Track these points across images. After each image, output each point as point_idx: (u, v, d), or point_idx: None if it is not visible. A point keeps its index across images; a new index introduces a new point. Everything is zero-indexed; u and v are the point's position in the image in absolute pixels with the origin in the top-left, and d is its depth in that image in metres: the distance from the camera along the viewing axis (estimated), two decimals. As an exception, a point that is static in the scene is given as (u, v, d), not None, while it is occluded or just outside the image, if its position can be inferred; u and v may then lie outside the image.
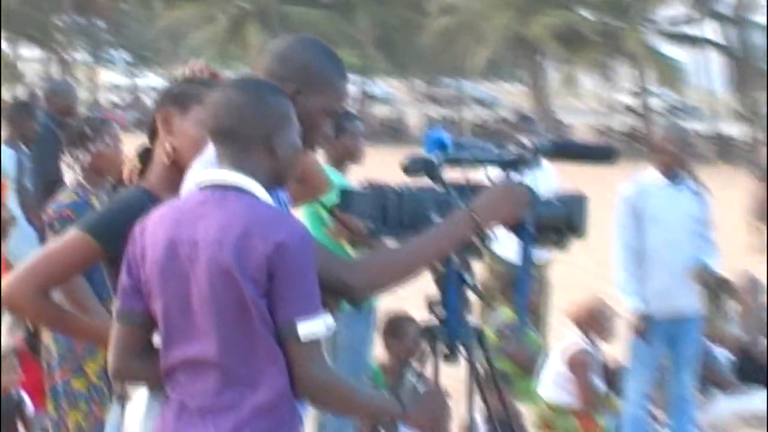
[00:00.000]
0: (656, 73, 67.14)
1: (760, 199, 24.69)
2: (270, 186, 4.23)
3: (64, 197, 7.82)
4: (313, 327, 4.08)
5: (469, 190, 4.51)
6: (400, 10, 67.91)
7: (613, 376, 11.23)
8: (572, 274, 16.26)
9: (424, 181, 4.58)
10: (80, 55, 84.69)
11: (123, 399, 4.61)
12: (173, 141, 4.67)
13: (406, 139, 65.03)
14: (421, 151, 4.64)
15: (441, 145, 4.59)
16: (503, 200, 4.49)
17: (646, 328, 9.68)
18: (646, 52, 64.25)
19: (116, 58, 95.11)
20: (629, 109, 72.84)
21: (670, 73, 66.92)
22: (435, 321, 4.64)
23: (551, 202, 4.60)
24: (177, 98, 4.71)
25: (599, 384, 11.14)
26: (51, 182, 11.59)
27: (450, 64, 69.48)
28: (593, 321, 11.06)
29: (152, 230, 4.23)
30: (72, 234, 4.62)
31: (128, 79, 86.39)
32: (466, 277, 4.60)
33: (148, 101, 75.17)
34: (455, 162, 4.59)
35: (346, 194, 4.55)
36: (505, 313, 11.42)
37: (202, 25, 71.11)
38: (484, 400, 4.74)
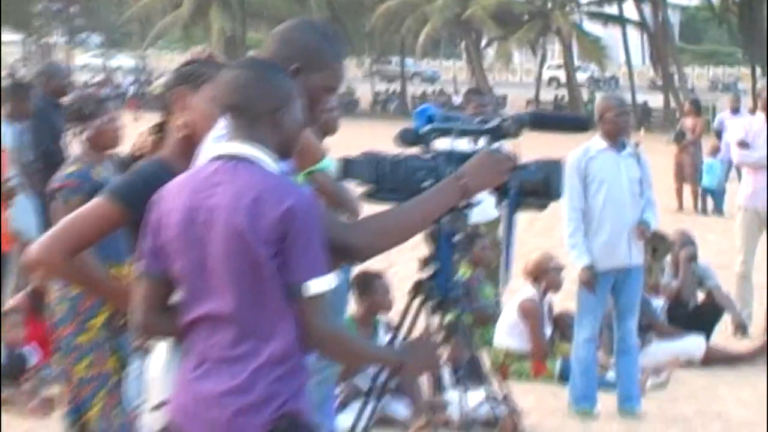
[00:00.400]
0: (580, 49, 67.56)
1: (680, 163, 24.83)
2: (277, 157, 4.22)
3: (67, 169, 7.82)
4: (321, 285, 4.09)
5: (456, 158, 4.52)
6: (350, -6, 68.02)
7: (561, 324, 11.29)
8: (522, 232, 16.31)
9: (416, 151, 4.59)
10: (56, 39, 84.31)
11: (144, 351, 4.59)
12: (186, 116, 4.67)
13: (357, 111, 65.18)
14: (409, 124, 4.66)
15: (429, 119, 4.61)
16: (488, 167, 4.49)
17: (593, 279, 9.72)
18: (572, 30, 64.56)
19: (88, 41, 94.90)
20: (557, 82, 73.18)
21: (593, 49, 67.38)
22: (426, 276, 4.65)
23: (530, 168, 4.62)
24: (188, 78, 4.72)
25: (548, 331, 11.21)
26: (46, 154, 11.57)
27: (395, 43, 69.61)
28: (542, 274, 11.13)
29: (171, 198, 4.23)
30: (98, 200, 4.62)
31: (100, 59, 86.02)
32: (455, 236, 4.61)
33: (119, 79, 75.26)
34: (443, 133, 4.60)
35: (345, 162, 4.55)
36: (462, 268, 11.43)
37: (168, 10, 70.79)
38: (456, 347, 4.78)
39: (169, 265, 4.23)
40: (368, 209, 4.43)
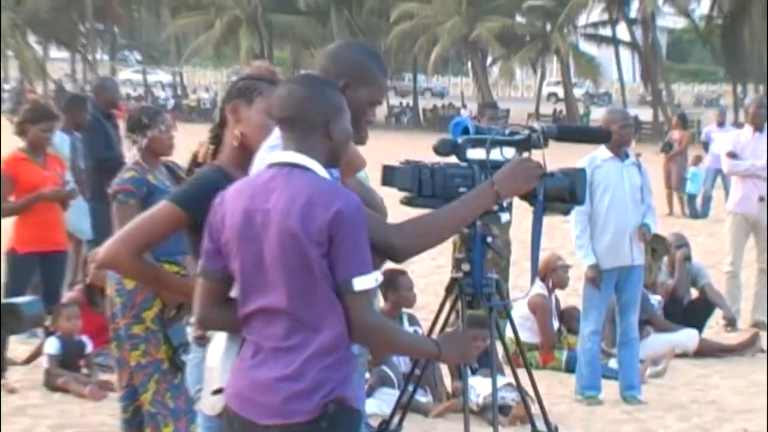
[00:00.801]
0: (576, 67, 67.52)
1: (668, 171, 24.89)
2: (327, 165, 4.21)
3: (125, 174, 7.81)
4: (366, 281, 4.07)
5: (489, 167, 4.50)
6: (367, 16, 67.95)
7: (567, 318, 11.27)
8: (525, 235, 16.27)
9: (452, 160, 4.57)
10: (100, 56, 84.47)
11: (203, 342, 4.57)
12: (241, 128, 4.66)
13: (373, 124, 64.66)
14: (446, 136, 4.64)
15: (464, 130, 4.59)
16: (519, 174, 4.48)
17: (598, 277, 9.70)
18: (569, 50, 64.54)
19: (130, 58, 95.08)
20: (555, 97, 73.14)
21: (588, 67, 67.36)
22: (461, 274, 4.63)
23: (556, 175, 4.60)
24: (243, 92, 4.70)
25: (556, 324, 11.18)
26: (99, 162, 11.55)
27: (409, 61, 69.59)
28: (550, 272, 11.11)
29: (230, 201, 4.22)
30: (162, 205, 4.60)
31: (140, 75, 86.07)
32: (488, 238, 4.60)
33: (157, 93, 75.29)
34: (476, 143, 4.58)
35: (388, 169, 4.53)
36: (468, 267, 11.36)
37: (202, 30, 70.90)
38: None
39: (227, 263, 4.21)
40: (406, 214, 4.39)
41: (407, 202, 4.55)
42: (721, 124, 25.85)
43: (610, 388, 9.96)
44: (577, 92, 72.35)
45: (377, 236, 4.21)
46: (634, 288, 9.96)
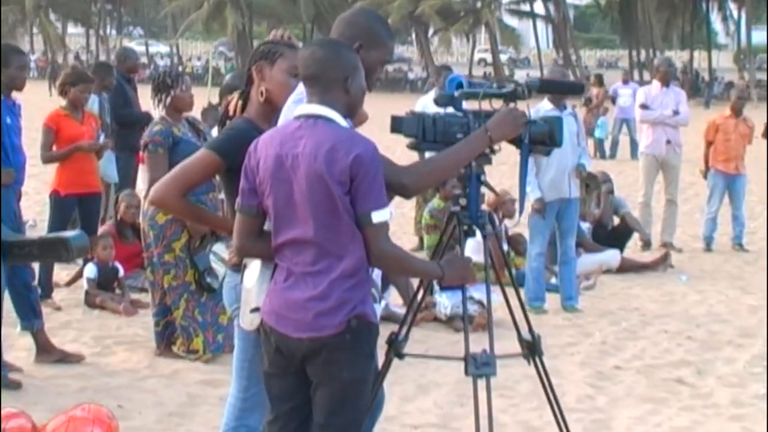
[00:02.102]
0: (502, 37, 67.33)
1: (588, 121, 24.86)
2: (345, 115, 4.04)
3: (153, 127, 7.61)
4: (382, 215, 3.93)
5: (482, 116, 4.32)
6: (330, -4, 67.50)
7: (514, 242, 11.12)
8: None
9: (450, 110, 4.39)
10: (109, 31, 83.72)
11: (238, 268, 4.38)
12: (265, 85, 4.47)
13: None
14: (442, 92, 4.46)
15: (459, 85, 4.40)
16: (508, 122, 4.32)
17: (542, 208, 9.55)
18: (496, 23, 64.37)
19: (134, 33, 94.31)
20: (485, 62, 72.96)
21: (511, 37, 67.30)
22: (459, 208, 4.46)
23: (538, 122, 4.43)
24: (266, 54, 4.50)
25: (505, 247, 11.03)
26: (120, 118, 11.31)
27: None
28: (501, 205, 10.92)
29: (263, 148, 4.05)
30: (201, 152, 4.41)
31: (143, 47, 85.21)
32: (482, 176, 4.43)
33: (157, 61, 74.54)
34: (470, 96, 4.39)
35: (396, 119, 4.35)
36: (436, 201, 11.17)
37: (193, 9, 70.30)
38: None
39: (261, 201, 4.06)
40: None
41: (413, 146, 4.37)
42: (625, 81, 26.11)
43: (552, 300, 9.83)
44: (503, 57, 71.94)
45: (390, 176, 4.05)
46: (571, 217, 9.83)
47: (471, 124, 4.30)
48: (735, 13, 68.85)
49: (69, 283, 10.02)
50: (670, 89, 13.15)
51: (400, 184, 4.13)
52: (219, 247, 7.79)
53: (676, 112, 12.96)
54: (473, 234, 4.46)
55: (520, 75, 65.27)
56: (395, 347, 4.53)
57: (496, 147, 4.31)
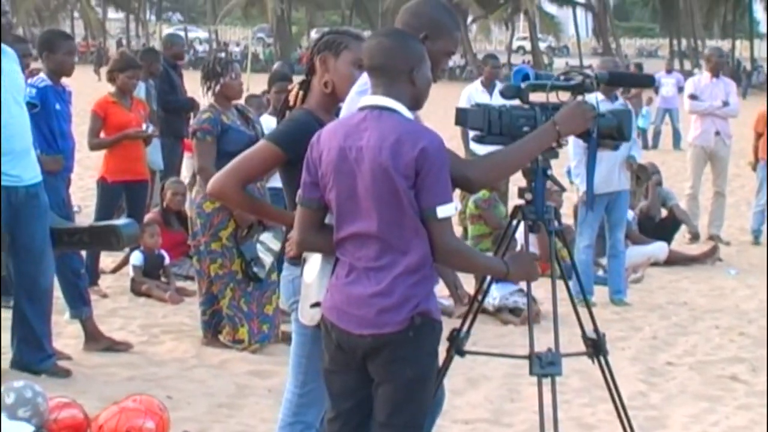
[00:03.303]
0: (541, 25, 67.03)
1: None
2: (410, 107, 3.93)
3: (203, 115, 7.55)
4: (448, 210, 3.82)
5: (549, 109, 4.21)
6: (370, -17, 67.36)
7: (565, 235, 10.96)
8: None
9: (516, 103, 4.28)
10: (148, 16, 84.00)
11: (296, 261, 4.30)
12: (329, 76, 4.36)
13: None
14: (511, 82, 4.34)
15: (525, 77, 4.29)
16: (577, 115, 4.20)
17: (591, 200, 9.40)
18: (535, 11, 64.05)
19: (173, 18, 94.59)
20: (523, 50, 72.65)
21: (551, 25, 66.98)
22: (524, 202, 4.36)
23: (607, 116, 4.32)
24: (330, 45, 4.39)
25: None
26: (165, 103, 11.27)
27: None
28: (548, 195, 10.75)
29: (326, 140, 3.95)
30: (261, 144, 4.32)
31: (182, 32, 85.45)
32: (548, 171, 4.32)
33: (196, 47, 74.67)
34: (537, 88, 4.28)
35: (461, 111, 4.24)
36: (482, 191, 11.05)
37: (233, -5, 70.41)
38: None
39: (323, 194, 3.96)
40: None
41: (478, 139, 4.26)
42: (668, 71, 25.85)
43: (600, 293, 9.70)
44: (542, 45, 71.61)
45: (455, 170, 3.93)
46: (621, 210, 9.70)
47: (538, 117, 4.19)
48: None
49: (114, 270, 9.99)
50: (720, 80, 12.98)
51: (465, 178, 4.03)
52: (266, 237, 7.79)
53: (725, 103, 12.79)
54: (538, 229, 4.35)
55: (560, 63, 65.00)
56: (456, 344, 4.43)
57: (562, 141, 4.20)
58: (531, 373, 4.32)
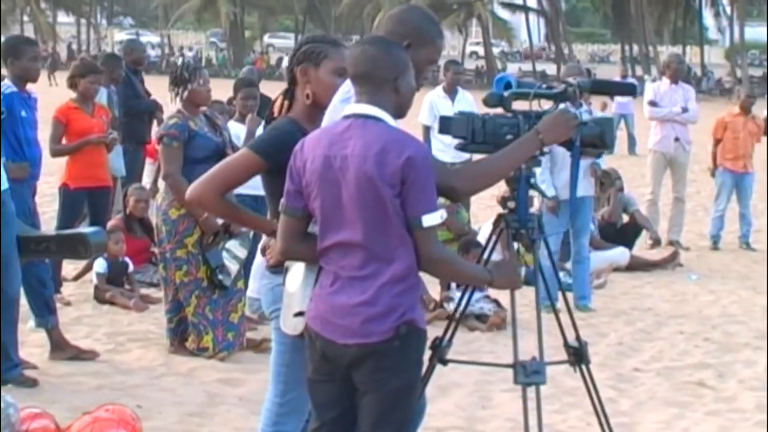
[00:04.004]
0: (494, 30, 67.25)
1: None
2: (394, 116, 3.92)
3: (170, 121, 7.49)
4: (433, 219, 3.81)
5: (532, 117, 4.21)
6: (323, -13, 67.32)
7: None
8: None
9: (499, 111, 4.28)
10: (99, 20, 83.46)
11: (276, 269, 4.27)
12: (312, 88, 4.32)
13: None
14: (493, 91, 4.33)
15: (508, 85, 4.29)
16: (559, 124, 4.21)
17: (556, 206, 9.44)
18: (488, 16, 64.29)
19: (124, 22, 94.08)
20: (476, 55, 72.89)
21: (503, 30, 67.21)
22: (507, 211, 4.36)
23: (589, 124, 4.32)
24: (310, 56, 4.35)
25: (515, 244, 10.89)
26: (128, 109, 11.18)
27: (357, 25, 68.90)
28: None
29: (310, 148, 3.92)
30: (243, 152, 4.28)
31: (133, 37, 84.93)
32: (531, 179, 4.32)
33: (149, 52, 74.29)
34: (520, 96, 4.28)
35: (444, 119, 4.23)
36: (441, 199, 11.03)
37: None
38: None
39: (307, 203, 3.94)
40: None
41: (461, 147, 4.26)
42: (623, 77, 25.99)
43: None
44: (495, 50, 71.88)
45: (440, 179, 3.93)
46: (585, 215, 9.73)
47: (521, 126, 4.19)
48: (728, 9, 68.86)
49: (77, 278, 9.90)
50: (679, 86, 13.07)
51: (450, 187, 4.02)
52: (232, 244, 7.74)
53: (685, 109, 12.88)
54: (521, 238, 4.35)
55: (513, 68, 65.27)
56: (439, 353, 4.42)
57: (545, 149, 4.20)
58: (516, 382, 4.31)
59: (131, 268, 9.46)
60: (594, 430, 6.46)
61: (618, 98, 25.03)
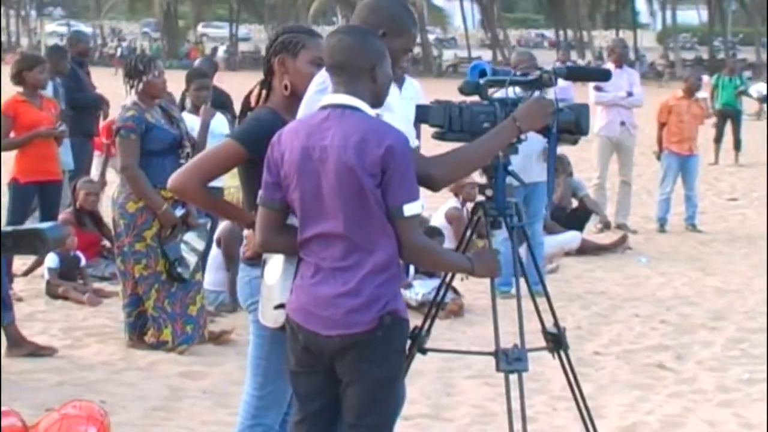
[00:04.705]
0: (429, 17, 67.37)
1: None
2: (371, 105, 3.90)
3: (126, 113, 7.41)
4: (414, 207, 3.80)
5: (509, 104, 4.22)
6: (258, -24, 66.94)
7: (478, 226, 11.01)
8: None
9: (476, 99, 4.27)
10: (29, 11, 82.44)
11: (251, 262, 4.24)
12: (289, 78, 4.28)
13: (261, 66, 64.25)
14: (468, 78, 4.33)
15: (482, 73, 4.28)
16: (536, 111, 4.21)
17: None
18: (423, 3, 64.40)
19: (54, 13, 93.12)
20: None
21: (438, 17, 67.33)
22: (484, 198, 4.36)
23: (565, 111, 4.33)
24: (288, 47, 4.31)
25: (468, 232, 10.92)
26: (74, 101, 11.06)
27: (292, 14, 68.61)
28: (461, 189, 10.82)
29: (287, 140, 3.90)
30: (225, 141, 4.24)
31: (64, 27, 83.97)
32: (509, 166, 4.33)
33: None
34: (495, 84, 4.28)
35: (421, 108, 4.22)
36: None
37: (118, -12, 69.36)
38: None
39: (286, 194, 3.91)
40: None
41: (439, 136, 4.24)
42: (563, 62, 26.12)
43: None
44: (430, 37, 71.93)
45: (418, 168, 3.91)
46: (539, 200, 9.76)
47: (498, 113, 4.19)
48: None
49: (27, 273, 9.78)
50: (624, 70, 13.14)
51: (428, 176, 4.01)
52: (190, 237, 7.69)
53: (630, 94, 12.96)
54: (499, 226, 4.35)
55: (448, 55, 65.43)
56: (418, 342, 4.42)
57: (522, 136, 4.21)
58: (498, 369, 4.31)
59: (83, 262, 9.36)
60: (559, 414, 6.55)
61: (560, 83, 25.17)
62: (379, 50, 3.90)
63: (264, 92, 4.33)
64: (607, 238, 12.39)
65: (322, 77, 4.07)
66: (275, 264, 4.07)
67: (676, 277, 10.66)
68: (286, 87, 4.27)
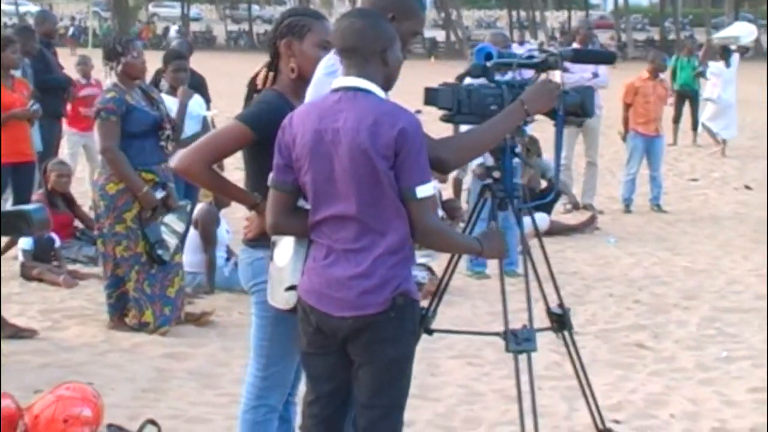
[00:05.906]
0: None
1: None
2: (383, 88, 3.92)
3: (106, 95, 7.38)
4: (427, 189, 3.83)
5: (516, 87, 4.25)
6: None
7: (448, 207, 11.11)
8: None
9: (483, 82, 4.31)
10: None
11: (253, 243, 4.26)
12: (296, 61, 4.29)
13: (215, 46, 64.09)
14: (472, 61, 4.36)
15: (488, 56, 4.31)
16: (544, 94, 4.25)
17: (484, 173, 9.45)
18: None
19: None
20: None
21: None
22: (492, 180, 4.41)
23: (571, 93, 4.38)
24: (294, 29, 4.32)
25: (440, 212, 11.00)
26: (41, 83, 10.95)
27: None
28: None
29: (299, 122, 3.91)
30: (232, 123, 4.23)
31: (11, 6, 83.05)
32: (516, 149, 4.37)
33: (29, 22, 72.79)
34: (502, 66, 4.31)
35: (430, 91, 4.24)
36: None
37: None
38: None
39: (297, 177, 3.92)
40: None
41: (447, 119, 4.28)
42: (521, 42, 26.24)
43: (491, 264, 9.81)
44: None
45: (428, 151, 3.94)
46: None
47: (505, 96, 4.23)
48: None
49: (-3, 254, 9.70)
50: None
51: (438, 159, 4.04)
52: (170, 219, 7.69)
53: (595, 75, 13.03)
54: (506, 207, 4.40)
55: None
56: (425, 323, 4.45)
57: (530, 119, 4.25)
58: (507, 350, 4.36)
59: (58, 243, 9.31)
60: (544, 393, 6.61)
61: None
62: (390, 33, 3.92)
63: (270, 75, 4.33)
64: (575, 218, 12.48)
65: (331, 60, 4.09)
66: (286, 246, 4.08)
67: (645, 257, 10.77)
68: (292, 70, 4.28)
